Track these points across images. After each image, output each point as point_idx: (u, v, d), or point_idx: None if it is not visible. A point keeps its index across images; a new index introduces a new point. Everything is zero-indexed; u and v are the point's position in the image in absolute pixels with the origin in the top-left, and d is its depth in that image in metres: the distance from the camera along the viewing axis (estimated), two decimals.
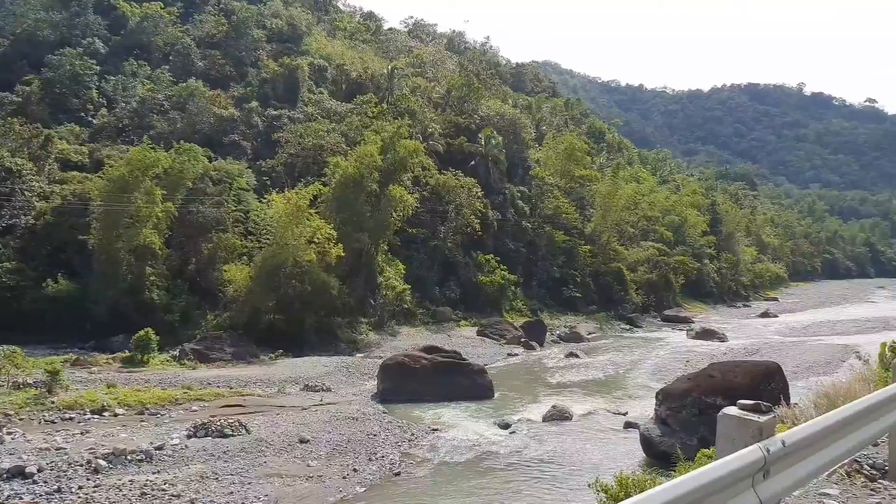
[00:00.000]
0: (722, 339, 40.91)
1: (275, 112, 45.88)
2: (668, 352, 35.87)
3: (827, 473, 5.97)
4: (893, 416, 5.26)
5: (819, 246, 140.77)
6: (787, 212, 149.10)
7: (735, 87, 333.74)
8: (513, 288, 43.09)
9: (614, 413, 22.47)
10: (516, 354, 33.57)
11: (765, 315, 58.89)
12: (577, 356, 33.20)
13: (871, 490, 5.53)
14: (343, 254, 32.04)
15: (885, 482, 5.72)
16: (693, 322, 49.74)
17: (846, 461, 6.16)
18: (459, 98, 50.59)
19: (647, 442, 17.23)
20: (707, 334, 41.78)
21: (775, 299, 78.55)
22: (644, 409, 21.06)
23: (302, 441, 17.66)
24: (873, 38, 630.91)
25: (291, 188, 34.90)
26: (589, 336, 40.93)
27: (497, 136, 48.03)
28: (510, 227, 46.54)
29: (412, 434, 19.44)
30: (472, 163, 45.85)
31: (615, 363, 32.11)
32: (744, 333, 45.62)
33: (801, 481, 3.90)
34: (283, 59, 50.04)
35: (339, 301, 32.38)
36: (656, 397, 18.18)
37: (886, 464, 5.98)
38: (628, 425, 20.37)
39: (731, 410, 3.58)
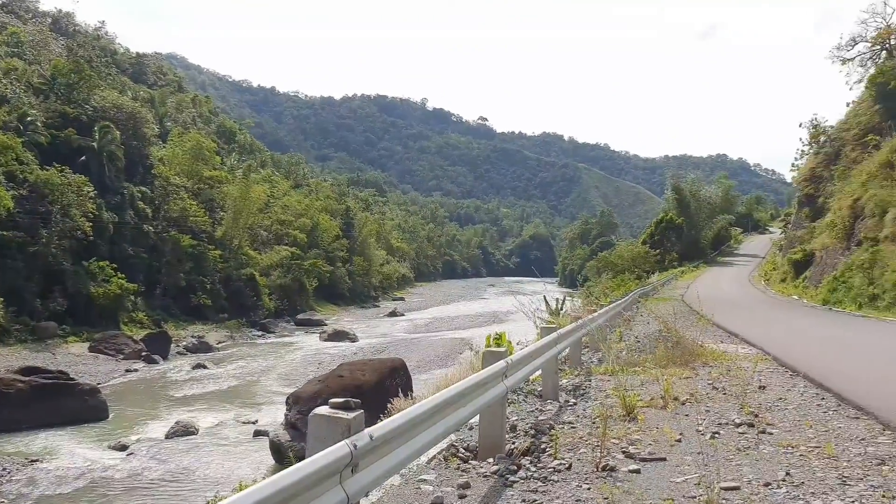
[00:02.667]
0: (353, 339, 42.57)
1: None
2: (300, 356, 36.17)
3: (427, 460, 6.13)
4: (481, 400, 5.57)
5: (440, 249, 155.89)
6: (413, 217, 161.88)
7: (365, 97, 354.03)
8: (132, 298, 39.49)
9: (244, 422, 21.79)
10: (136, 370, 30.86)
11: (393, 314, 63.01)
12: (205, 367, 31.74)
13: (462, 471, 5.76)
14: None
15: (475, 462, 6.03)
16: (326, 324, 51.08)
17: (444, 446, 6.43)
18: (67, 85, 44.94)
19: (276, 448, 16.95)
20: (339, 336, 43.14)
21: (402, 299, 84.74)
22: (275, 416, 20.82)
23: None
24: (486, 66, 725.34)
25: None
26: (219, 345, 39.52)
27: (114, 129, 43.74)
28: (129, 231, 42.61)
29: (3, 469, 16.57)
30: (83, 158, 40.99)
31: (246, 371, 31.38)
32: (374, 333, 48.13)
33: (391, 472, 3.90)
34: None
35: None
36: (286, 402, 18.04)
37: (478, 445, 6.34)
38: (258, 433, 19.88)
39: (322, 410, 3.50)
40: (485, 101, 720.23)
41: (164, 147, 54.95)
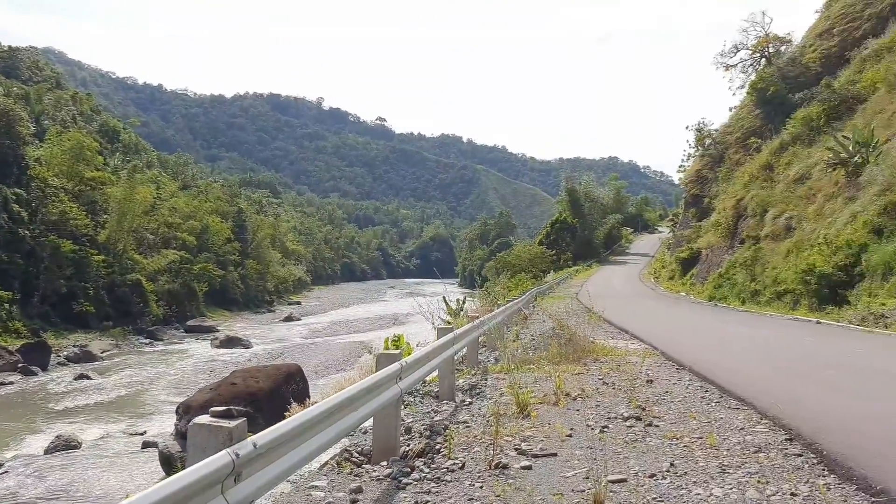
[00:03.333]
0: (247, 345, 41.49)
1: None
2: (191, 363, 34.93)
3: (319, 465, 5.99)
4: (374, 403, 5.50)
5: (339, 251, 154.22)
6: (310, 219, 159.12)
7: (258, 95, 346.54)
8: (7, 306, 37.05)
9: (131, 434, 20.81)
10: (11, 383, 28.90)
11: (289, 319, 61.79)
12: (88, 378, 30.11)
13: (355, 476, 5.67)
14: None
15: (369, 466, 5.94)
16: (218, 331, 49.53)
17: (337, 451, 6.31)
18: None
19: (166, 459, 16.26)
20: (232, 342, 41.95)
21: (299, 303, 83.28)
22: (165, 426, 20.05)
23: None
24: (384, 66, 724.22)
25: None
26: (103, 354, 37.59)
27: None
28: (3, 236, 39.92)
29: None
30: None
31: (133, 381, 30.01)
32: (269, 338, 47.07)
33: (277, 479, 3.81)
34: None
35: None
36: (176, 411, 17.43)
37: (372, 449, 6.26)
38: (147, 445, 19.02)
39: (202, 419, 3.41)
40: (383, 102, 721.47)
41: (40, 147, 51.75)
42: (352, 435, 6.95)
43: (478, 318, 13.43)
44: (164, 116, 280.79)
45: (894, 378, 9.42)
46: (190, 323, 51.78)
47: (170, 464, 15.96)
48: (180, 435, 16.44)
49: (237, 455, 3.19)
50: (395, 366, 6.22)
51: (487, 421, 7.34)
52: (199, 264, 59.70)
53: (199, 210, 68.51)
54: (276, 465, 3.75)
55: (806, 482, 4.98)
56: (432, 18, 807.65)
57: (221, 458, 3.09)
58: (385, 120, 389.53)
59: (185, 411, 16.72)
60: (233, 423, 3.34)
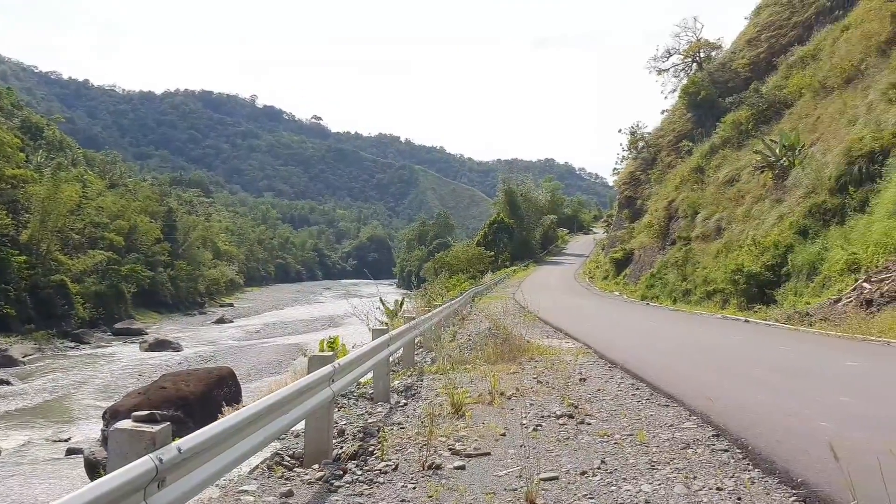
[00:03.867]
0: (177, 348, 40.51)
1: None
2: (119, 367, 33.88)
3: (249, 470, 5.86)
4: (306, 405, 5.43)
5: (273, 252, 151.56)
6: (243, 219, 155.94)
7: (189, 92, 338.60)
8: None
9: (55, 441, 20.06)
10: None
11: (220, 321, 60.51)
12: (8, 383, 28.87)
13: (286, 479, 5.57)
14: None
15: (300, 470, 5.84)
16: (147, 333, 48.21)
17: (269, 455, 6.18)
18: None
19: (91, 466, 15.68)
20: (162, 345, 40.87)
21: (231, 305, 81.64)
22: (91, 432, 19.43)
23: None
24: (319, 64, 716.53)
25: None
26: (25, 359, 36.05)
27: None
28: None
29: None
30: None
31: (58, 386, 28.90)
32: (200, 341, 46.01)
33: (204, 484, 3.73)
34: None
35: None
36: (103, 417, 16.89)
37: (304, 452, 6.15)
38: (71, 451, 18.36)
39: (124, 424, 3.32)
40: (319, 100, 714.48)
41: None
42: (283, 438, 6.83)
43: (414, 318, 13.40)
44: (91, 113, 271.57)
45: (817, 376, 9.78)
46: (118, 325, 50.21)
47: (95, 471, 15.44)
48: (107, 441, 15.91)
49: (161, 460, 3.12)
50: (327, 368, 6.15)
51: (422, 422, 7.30)
52: (128, 265, 57.97)
53: (128, 209, 66.54)
54: (201, 469, 3.67)
55: (732, 477, 5.11)
56: (367, 18, 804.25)
57: (144, 463, 3.02)
58: (321, 118, 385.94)
59: (113, 416, 16.18)
60: (156, 428, 3.26)
